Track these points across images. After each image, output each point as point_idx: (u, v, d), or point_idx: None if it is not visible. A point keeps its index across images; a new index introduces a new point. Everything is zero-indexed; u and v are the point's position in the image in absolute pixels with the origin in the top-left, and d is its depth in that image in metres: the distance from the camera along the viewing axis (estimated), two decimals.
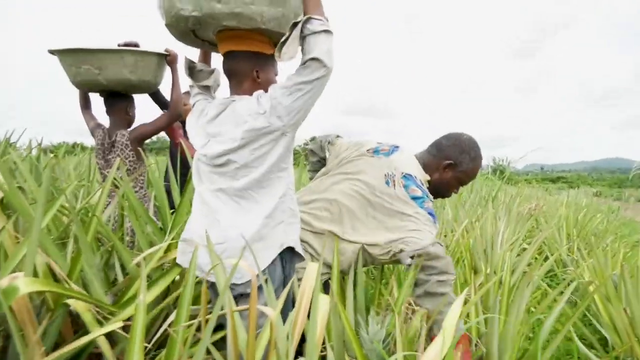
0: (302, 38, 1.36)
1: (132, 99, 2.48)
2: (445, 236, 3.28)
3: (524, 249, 3.99)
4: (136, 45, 2.27)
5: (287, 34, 1.36)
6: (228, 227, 1.42)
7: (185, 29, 1.47)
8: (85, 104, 2.57)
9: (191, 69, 1.61)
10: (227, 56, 1.51)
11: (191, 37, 1.55)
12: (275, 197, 1.44)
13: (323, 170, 1.92)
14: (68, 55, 2.22)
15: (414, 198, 1.70)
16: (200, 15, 1.38)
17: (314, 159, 2.13)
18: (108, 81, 2.23)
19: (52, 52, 2.27)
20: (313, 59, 1.32)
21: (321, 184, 1.82)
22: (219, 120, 1.46)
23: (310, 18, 1.35)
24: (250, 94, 1.45)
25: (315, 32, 1.33)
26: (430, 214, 1.71)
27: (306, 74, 1.34)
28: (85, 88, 2.42)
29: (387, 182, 1.71)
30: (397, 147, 1.86)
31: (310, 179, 2.06)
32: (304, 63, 1.35)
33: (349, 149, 1.90)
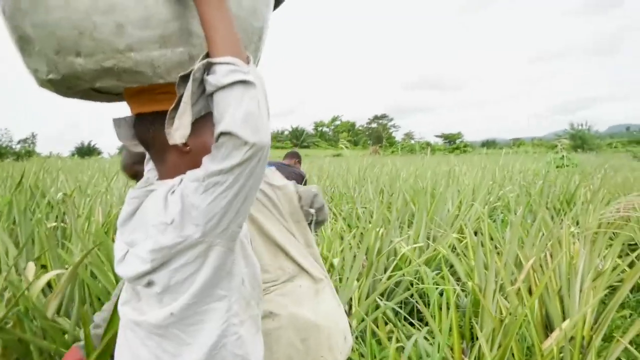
0: (209, 96, 0.82)
1: None
2: (501, 291, 2.57)
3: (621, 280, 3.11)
4: None
5: (177, 92, 0.82)
6: None
7: (76, 91, 0.97)
8: None
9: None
10: (137, 120, 1.00)
11: (100, 95, 1.05)
12: (209, 339, 0.93)
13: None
14: None
15: None
16: (60, 78, 0.87)
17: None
18: None
19: None
20: (223, 133, 0.79)
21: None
22: (133, 223, 0.98)
23: (211, 64, 0.80)
24: (180, 172, 0.93)
25: (221, 87, 0.79)
26: None
27: (220, 159, 0.81)
28: None
29: None
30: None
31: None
32: (216, 140, 0.81)
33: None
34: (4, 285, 1.87)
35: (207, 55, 0.81)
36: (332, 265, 2.86)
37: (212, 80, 0.79)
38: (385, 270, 3.08)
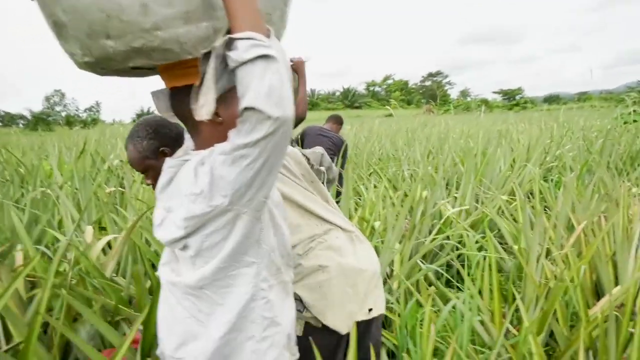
0: (232, 71, 0.85)
1: None
2: (547, 256, 2.50)
3: None
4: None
5: (201, 69, 0.86)
6: (183, 340, 1.04)
7: (111, 71, 1.02)
8: None
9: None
10: (172, 94, 1.05)
11: (135, 71, 1.10)
12: (239, 302, 1.01)
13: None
14: None
15: None
16: (94, 61, 0.93)
17: None
18: None
19: None
20: (247, 108, 0.82)
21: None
22: (169, 191, 1.05)
23: (232, 40, 0.82)
24: (214, 142, 0.98)
25: (243, 63, 0.81)
26: None
27: (245, 133, 0.84)
28: None
29: None
30: None
31: None
32: (241, 114, 0.84)
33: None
34: (68, 247, 2.04)
35: (229, 31, 0.84)
36: (373, 228, 2.88)
37: (234, 56, 0.81)
38: (430, 233, 3.08)
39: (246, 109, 0.81)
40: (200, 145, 1.03)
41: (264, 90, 0.80)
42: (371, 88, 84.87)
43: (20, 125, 42.37)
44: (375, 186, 3.87)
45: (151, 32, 0.86)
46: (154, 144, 1.41)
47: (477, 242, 2.82)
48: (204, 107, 0.85)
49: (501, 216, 3.20)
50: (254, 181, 0.89)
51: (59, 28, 0.91)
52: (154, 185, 1.46)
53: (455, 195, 3.72)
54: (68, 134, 17.32)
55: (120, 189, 3.76)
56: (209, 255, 0.98)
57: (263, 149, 0.84)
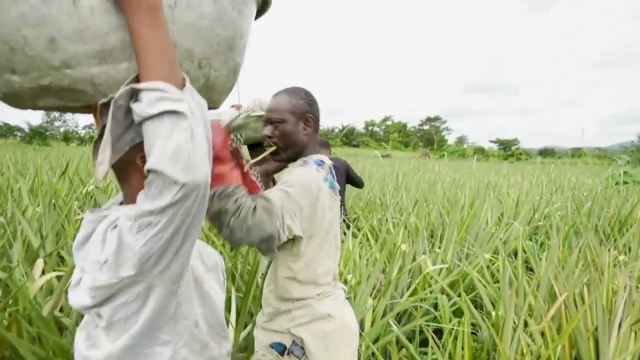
0: (139, 124, 0.74)
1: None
2: (527, 327, 2.35)
3: None
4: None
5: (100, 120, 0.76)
6: None
7: (31, 107, 0.90)
8: None
9: None
10: (100, 137, 0.94)
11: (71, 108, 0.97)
12: None
13: None
14: None
15: None
16: (3, 96, 0.83)
17: None
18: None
19: None
20: (151, 171, 0.70)
21: None
22: (86, 249, 0.91)
23: (137, 90, 0.71)
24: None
25: (148, 117, 0.70)
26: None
27: (151, 198, 0.72)
28: None
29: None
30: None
31: None
32: (146, 176, 0.73)
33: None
34: (6, 283, 1.88)
35: (137, 79, 0.73)
36: (345, 280, 2.73)
37: (137, 109, 0.70)
38: (408, 289, 2.92)
39: (150, 171, 0.70)
40: (128, 198, 0.91)
41: (169, 151, 0.68)
42: (370, 128, 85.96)
43: (18, 138, 42.30)
44: (354, 234, 3.73)
45: (60, 70, 0.75)
46: (306, 108, 1.42)
47: (454, 304, 2.66)
48: (100, 165, 0.73)
49: (482, 277, 3.05)
50: (166, 251, 0.76)
51: None
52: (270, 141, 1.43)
53: (437, 250, 3.57)
54: (61, 150, 17.18)
55: None
56: (121, 329, 0.84)
57: (172, 216, 0.72)
